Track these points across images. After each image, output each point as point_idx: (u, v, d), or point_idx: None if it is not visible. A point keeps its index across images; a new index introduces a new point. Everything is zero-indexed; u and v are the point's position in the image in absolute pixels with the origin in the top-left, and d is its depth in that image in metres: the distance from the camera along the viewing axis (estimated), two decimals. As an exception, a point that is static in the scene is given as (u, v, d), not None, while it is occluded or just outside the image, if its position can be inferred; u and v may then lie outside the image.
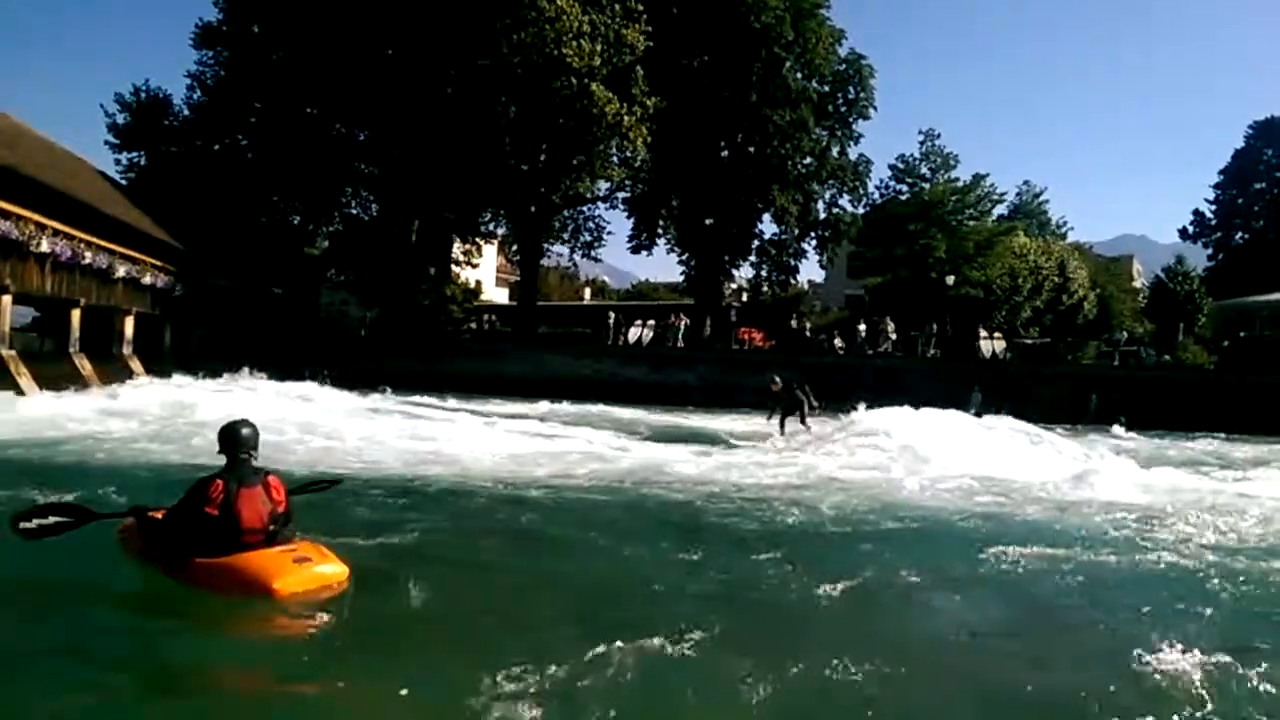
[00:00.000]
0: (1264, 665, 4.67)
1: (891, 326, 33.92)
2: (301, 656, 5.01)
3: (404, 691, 4.31)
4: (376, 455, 12.53)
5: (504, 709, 4.08)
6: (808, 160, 38.42)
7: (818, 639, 5.26)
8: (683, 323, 35.48)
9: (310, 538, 6.02)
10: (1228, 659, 4.72)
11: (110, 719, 4.22)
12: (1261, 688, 4.46)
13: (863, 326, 34.20)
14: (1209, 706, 4.18)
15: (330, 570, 5.67)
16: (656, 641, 4.97)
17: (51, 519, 6.08)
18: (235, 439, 5.84)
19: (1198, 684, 4.43)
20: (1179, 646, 4.83)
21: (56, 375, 20.14)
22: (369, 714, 4.28)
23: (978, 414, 19.68)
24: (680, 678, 4.62)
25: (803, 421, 16.54)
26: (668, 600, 6.14)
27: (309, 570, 5.56)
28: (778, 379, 17.33)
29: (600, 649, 4.70)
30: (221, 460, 5.87)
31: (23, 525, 5.97)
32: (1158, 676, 4.58)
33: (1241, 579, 6.84)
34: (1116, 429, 22.72)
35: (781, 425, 16.59)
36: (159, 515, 6.04)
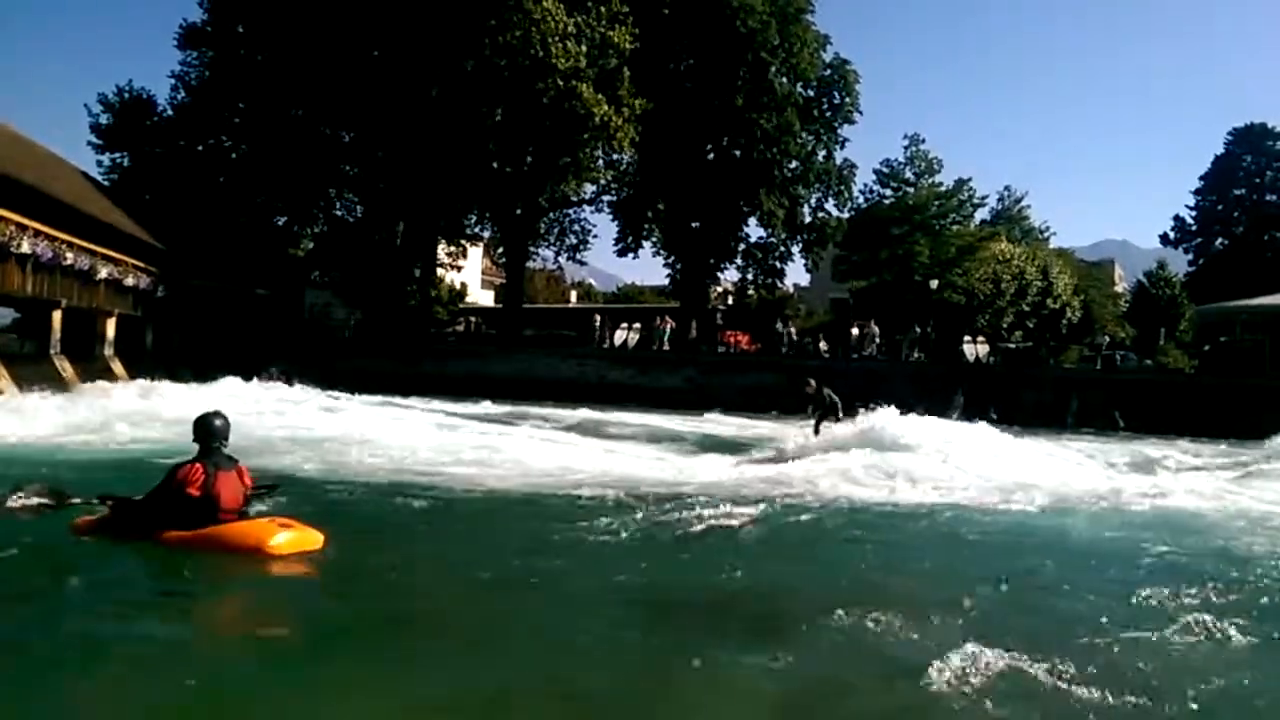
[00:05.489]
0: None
1: (876, 330, 34.07)
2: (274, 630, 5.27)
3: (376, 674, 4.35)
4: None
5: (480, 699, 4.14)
6: (794, 164, 38.56)
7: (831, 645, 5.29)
8: (668, 326, 35.50)
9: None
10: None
11: (92, 703, 4.25)
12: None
13: (855, 330, 34.34)
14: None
15: (310, 536, 6.38)
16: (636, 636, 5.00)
17: (35, 500, 6.78)
18: (209, 429, 6.42)
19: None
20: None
21: (36, 377, 19.96)
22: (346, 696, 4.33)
23: (960, 419, 19.79)
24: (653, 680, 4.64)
25: (836, 420, 16.69)
26: (645, 599, 6.17)
27: (294, 534, 6.27)
28: (812, 381, 17.57)
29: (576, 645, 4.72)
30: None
31: (9, 505, 6.64)
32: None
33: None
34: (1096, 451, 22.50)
35: (816, 427, 16.67)
36: (129, 500, 6.54)
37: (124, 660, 4.57)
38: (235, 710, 4.12)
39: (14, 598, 5.43)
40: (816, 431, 16.44)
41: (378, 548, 7.15)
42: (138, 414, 16.05)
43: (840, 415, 16.81)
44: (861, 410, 16.40)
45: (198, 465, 6.24)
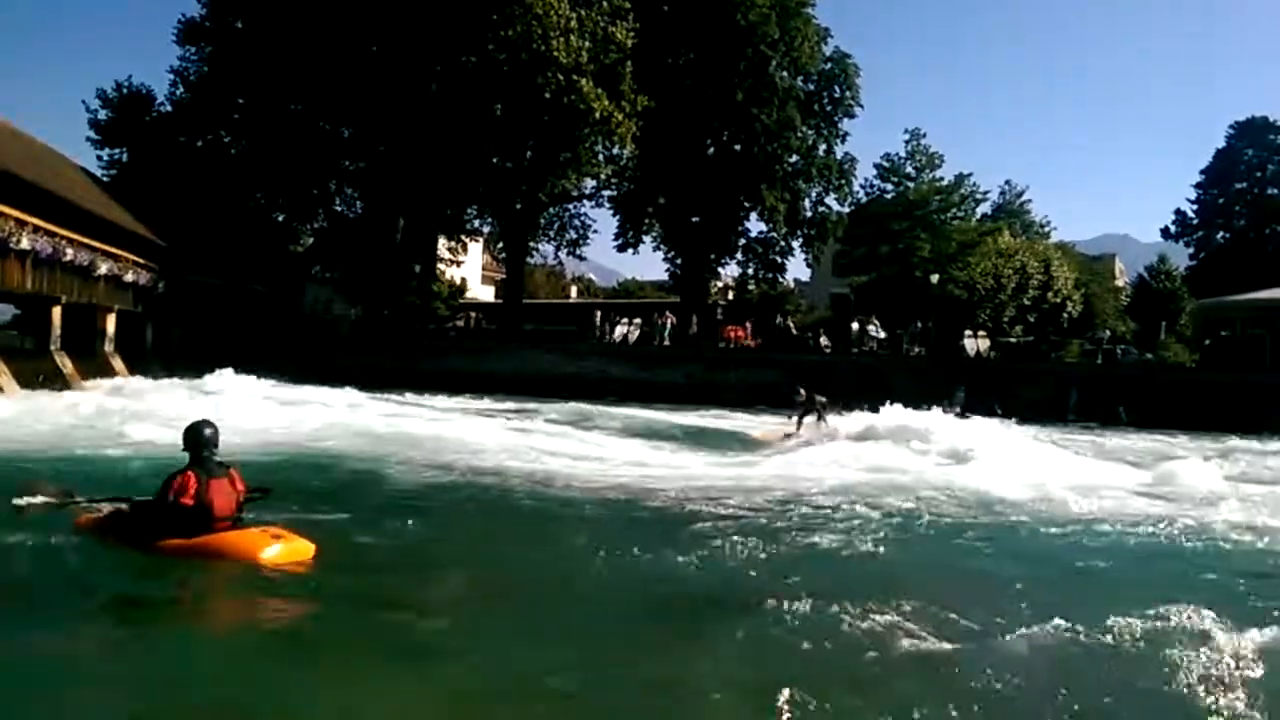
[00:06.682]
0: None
1: (877, 325, 34.08)
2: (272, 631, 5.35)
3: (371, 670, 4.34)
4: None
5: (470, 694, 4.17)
6: (794, 158, 38.47)
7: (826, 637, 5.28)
8: (669, 321, 35.46)
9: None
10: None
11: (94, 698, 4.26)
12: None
13: (856, 325, 34.32)
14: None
15: (302, 546, 6.45)
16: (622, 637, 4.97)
17: (40, 499, 6.91)
18: (199, 438, 6.49)
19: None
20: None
21: (37, 373, 19.96)
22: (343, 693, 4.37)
23: (961, 413, 19.85)
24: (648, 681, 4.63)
25: (820, 421, 18.11)
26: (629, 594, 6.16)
27: (286, 545, 6.33)
28: (802, 390, 19.05)
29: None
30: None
31: (16, 503, 6.80)
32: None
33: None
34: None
35: (799, 423, 18.18)
36: (127, 505, 6.70)
37: (121, 663, 4.57)
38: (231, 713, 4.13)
39: (16, 601, 5.45)
40: (798, 427, 17.99)
41: (368, 555, 7.10)
42: (138, 412, 16.01)
43: (826, 414, 18.14)
44: (861, 409, 16.93)
45: (190, 475, 6.34)
